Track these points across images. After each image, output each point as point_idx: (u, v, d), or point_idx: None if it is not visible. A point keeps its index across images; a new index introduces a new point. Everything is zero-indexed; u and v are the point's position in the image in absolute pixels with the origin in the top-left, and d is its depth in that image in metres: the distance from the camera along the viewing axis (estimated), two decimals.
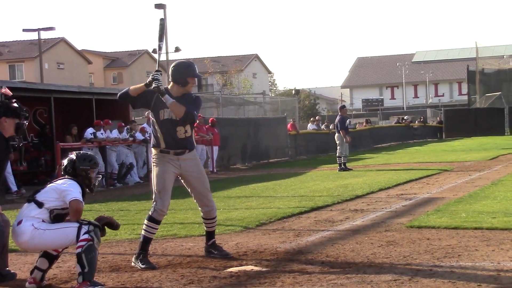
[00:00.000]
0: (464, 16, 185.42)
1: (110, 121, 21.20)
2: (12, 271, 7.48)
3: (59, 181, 6.94)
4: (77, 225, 6.66)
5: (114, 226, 6.91)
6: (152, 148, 8.04)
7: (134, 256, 7.84)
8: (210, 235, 8.24)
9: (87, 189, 7.10)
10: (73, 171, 6.98)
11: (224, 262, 7.76)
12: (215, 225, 8.29)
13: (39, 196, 6.80)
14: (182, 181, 8.09)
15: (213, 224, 8.22)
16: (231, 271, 7.28)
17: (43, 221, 6.69)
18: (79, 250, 6.56)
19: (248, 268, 7.40)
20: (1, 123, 7.24)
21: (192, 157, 8.00)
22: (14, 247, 9.52)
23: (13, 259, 8.56)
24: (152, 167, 8.00)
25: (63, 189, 6.78)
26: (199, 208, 8.19)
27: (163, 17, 7.98)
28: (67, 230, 6.67)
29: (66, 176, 7.00)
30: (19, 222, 6.73)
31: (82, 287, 6.52)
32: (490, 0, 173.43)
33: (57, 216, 6.78)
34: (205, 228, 8.30)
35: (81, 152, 7.22)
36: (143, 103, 7.98)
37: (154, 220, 7.87)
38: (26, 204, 6.84)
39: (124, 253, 8.69)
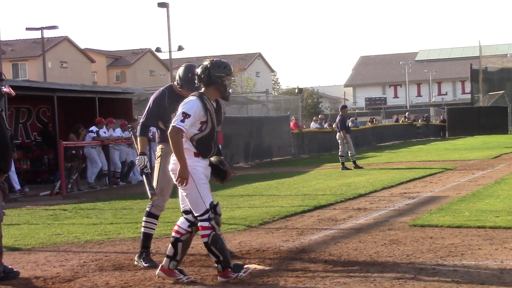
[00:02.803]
0: (467, 15, 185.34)
1: (113, 120, 21.20)
2: (15, 269, 7.48)
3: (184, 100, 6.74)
4: (207, 208, 6.59)
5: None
6: (159, 143, 8.03)
7: (137, 254, 7.84)
8: None
9: (222, 98, 6.88)
10: (208, 79, 6.75)
11: None
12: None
13: None
14: None
15: None
16: None
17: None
18: (206, 240, 6.59)
19: (251, 266, 7.40)
20: None
21: None
22: (17, 246, 9.56)
23: (16, 258, 8.58)
24: (157, 161, 7.97)
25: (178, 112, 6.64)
26: None
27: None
28: (200, 204, 6.60)
29: (191, 94, 6.78)
30: None
31: (227, 274, 6.62)
32: None
33: (200, 141, 6.65)
34: None
35: (215, 58, 6.91)
36: (162, 115, 7.98)
37: (153, 215, 7.89)
38: None
39: (127, 252, 8.70)
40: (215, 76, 6.74)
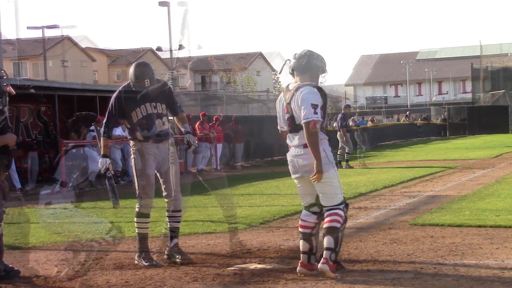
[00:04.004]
0: (468, 14, 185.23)
1: None
2: (15, 268, 7.47)
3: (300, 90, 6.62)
4: (343, 200, 6.65)
5: None
6: (130, 140, 7.93)
7: (137, 254, 7.83)
8: (175, 233, 7.90)
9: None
10: (306, 65, 6.70)
11: (228, 260, 7.76)
12: (181, 219, 8.06)
13: None
14: (156, 170, 7.86)
15: (180, 217, 7.97)
16: (235, 269, 7.28)
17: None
18: (337, 226, 6.60)
19: (252, 265, 7.40)
20: None
21: (169, 146, 7.89)
22: (18, 244, 9.55)
23: (17, 256, 8.57)
24: (132, 160, 7.88)
25: (300, 105, 6.56)
26: (167, 200, 7.88)
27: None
28: (338, 195, 6.65)
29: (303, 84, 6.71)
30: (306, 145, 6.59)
31: (331, 267, 6.52)
32: None
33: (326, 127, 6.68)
34: (170, 225, 7.95)
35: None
36: (122, 115, 7.88)
37: (143, 215, 7.82)
38: None
39: (128, 251, 8.69)
40: (314, 64, 6.72)
